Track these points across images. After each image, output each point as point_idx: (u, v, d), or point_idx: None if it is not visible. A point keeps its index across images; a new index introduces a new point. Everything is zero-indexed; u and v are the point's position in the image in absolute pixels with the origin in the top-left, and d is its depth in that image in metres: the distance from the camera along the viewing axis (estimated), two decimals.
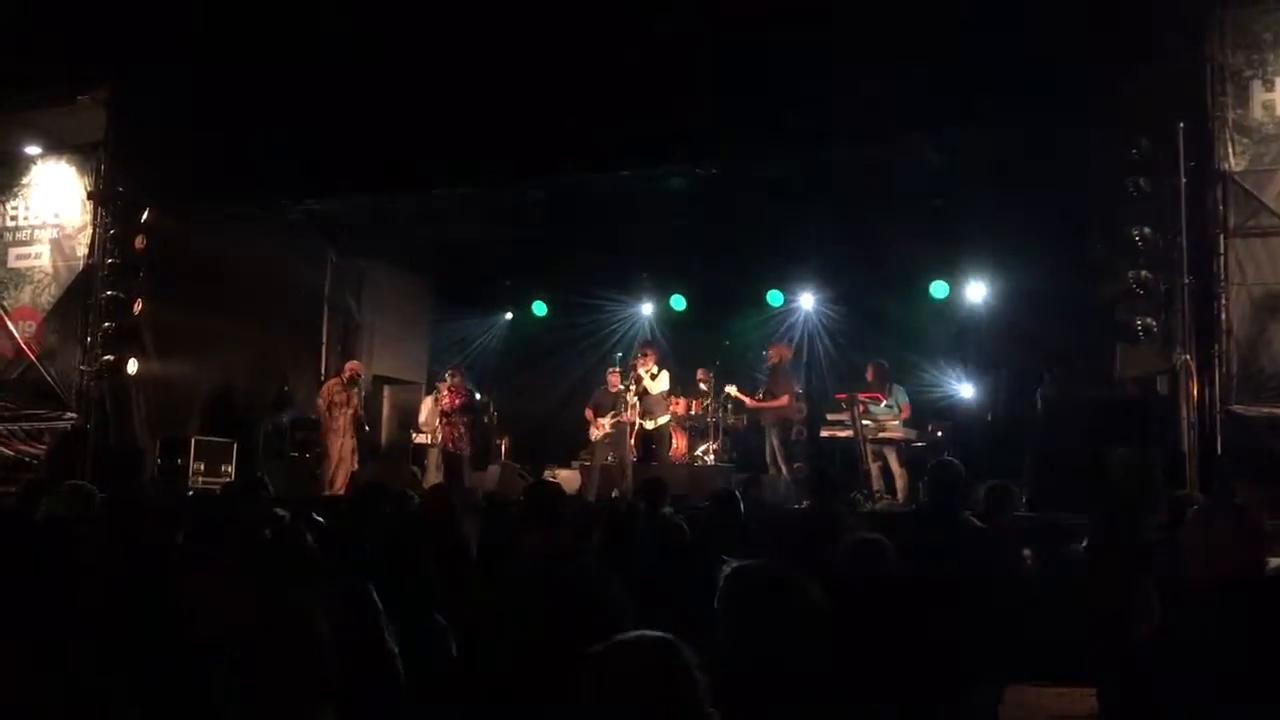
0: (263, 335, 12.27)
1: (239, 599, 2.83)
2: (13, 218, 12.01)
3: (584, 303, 14.36)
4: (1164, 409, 8.34)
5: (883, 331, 12.22)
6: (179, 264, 11.15)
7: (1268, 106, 8.24)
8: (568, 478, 11.91)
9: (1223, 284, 8.19)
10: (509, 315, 15.22)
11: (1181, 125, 8.11)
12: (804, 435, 11.63)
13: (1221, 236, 8.23)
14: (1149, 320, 8.15)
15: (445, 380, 12.12)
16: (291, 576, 3.52)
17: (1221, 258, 8.21)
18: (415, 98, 9.83)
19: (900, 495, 10.24)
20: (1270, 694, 2.24)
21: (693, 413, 12.93)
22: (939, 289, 12.37)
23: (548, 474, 12.19)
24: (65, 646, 2.48)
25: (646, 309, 14.51)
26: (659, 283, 14.13)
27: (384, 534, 4.93)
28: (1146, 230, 8.15)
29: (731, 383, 12.10)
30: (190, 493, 9.77)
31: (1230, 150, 8.24)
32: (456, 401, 11.86)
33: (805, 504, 8.98)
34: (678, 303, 14.04)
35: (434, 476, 11.79)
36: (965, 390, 12.29)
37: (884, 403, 10.64)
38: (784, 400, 11.14)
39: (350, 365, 11.85)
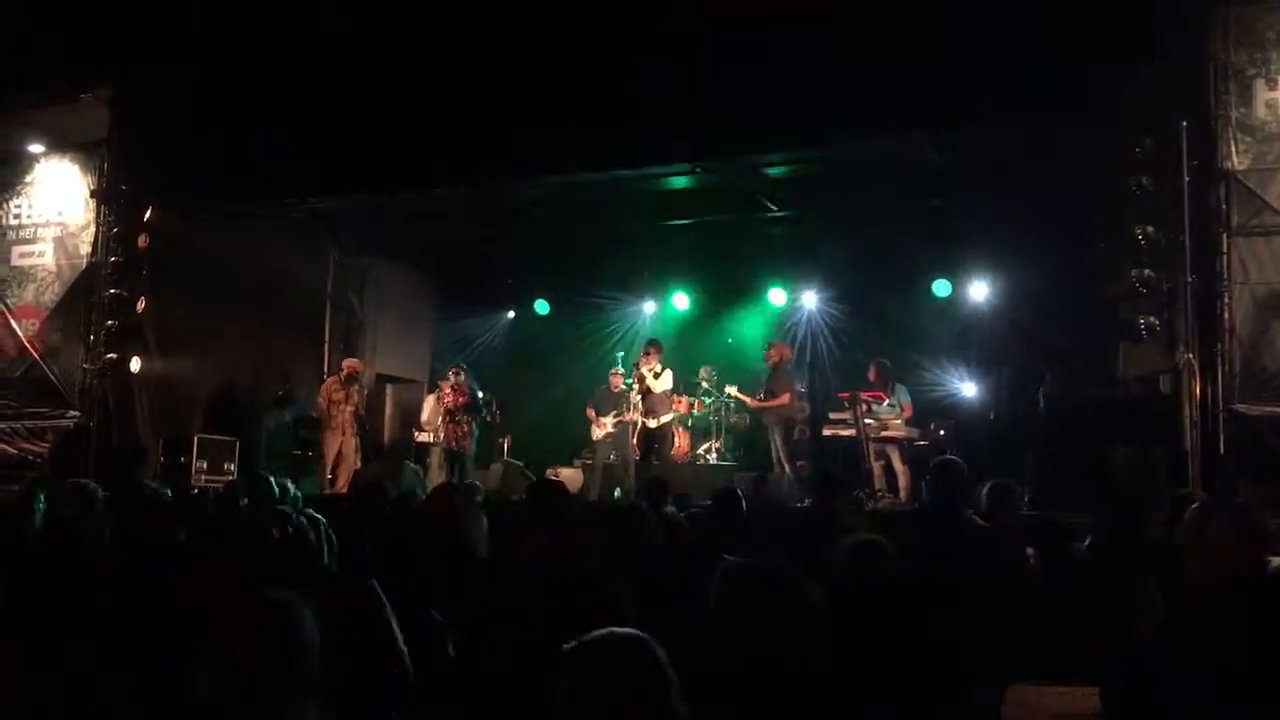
0: (265, 333, 12.28)
1: (238, 598, 2.83)
2: (16, 216, 12.03)
3: (587, 301, 14.38)
4: (1166, 408, 8.34)
5: (885, 330, 12.22)
6: (182, 262, 11.15)
7: (1271, 105, 8.23)
8: (570, 476, 11.91)
9: (1225, 283, 8.17)
10: (512, 314, 15.24)
11: (1184, 124, 8.11)
12: (806, 434, 11.64)
13: (1224, 235, 8.22)
14: (1152, 319, 8.15)
15: (448, 379, 12.12)
16: (295, 576, 3.52)
17: (1224, 256, 8.19)
18: (417, 97, 9.85)
19: (903, 494, 10.25)
20: (1273, 693, 2.24)
21: (695, 411, 12.94)
22: (941, 288, 12.37)
23: (550, 473, 12.19)
24: (66, 646, 2.48)
25: (649, 307, 14.52)
26: (661, 281, 14.13)
27: (384, 533, 4.94)
28: (1149, 229, 8.14)
29: (733, 382, 12.12)
30: (195, 490, 9.79)
31: (1233, 149, 8.23)
32: (459, 400, 11.86)
33: (808, 503, 8.98)
34: (679, 301, 14.05)
35: (436, 475, 11.79)
36: (968, 389, 12.29)
37: (886, 401, 10.65)
38: (785, 399, 11.14)
39: (348, 363, 11.84)
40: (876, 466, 10.39)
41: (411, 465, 12.08)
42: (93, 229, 11.58)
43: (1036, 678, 3.20)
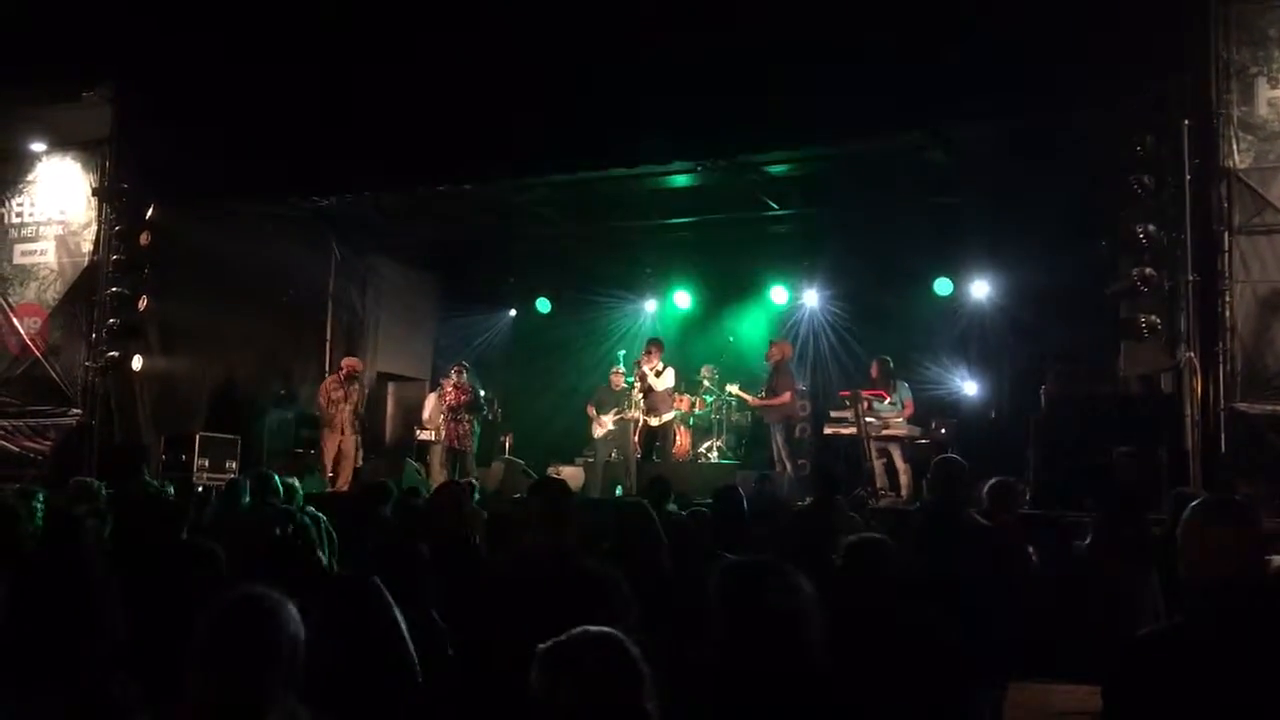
0: (267, 331, 12.30)
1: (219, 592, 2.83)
2: (18, 214, 12.04)
3: (588, 300, 14.38)
4: (1167, 406, 8.35)
5: (886, 328, 12.23)
6: (184, 260, 11.18)
7: (1273, 104, 8.22)
8: (571, 474, 11.91)
9: (1227, 281, 8.17)
10: (513, 312, 15.24)
11: (1186, 122, 8.11)
12: (808, 432, 11.65)
13: (1226, 234, 8.21)
14: (1153, 317, 8.15)
15: (450, 377, 12.13)
16: (297, 575, 3.53)
17: (1226, 255, 8.18)
18: (418, 96, 9.85)
19: (904, 492, 10.25)
20: (1273, 693, 2.24)
21: (696, 410, 12.94)
22: (943, 286, 12.36)
23: (551, 471, 12.19)
24: (68, 645, 2.48)
25: (650, 306, 14.52)
26: (662, 280, 14.14)
27: (386, 532, 4.95)
28: (1151, 227, 8.14)
29: (734, 380, 12.12)
30: (200, 488, 9.80)
31: (1235, 147, 8.22)
32: (461, 398, 11.87)
33: (809, 501, 8.99)
34: (681, 300, 14.06)
35: (438, 473, 11.80)
36: (969, 387, 12.29)
37: (888, 400, 10.64)
38: (786, 398, 11.14)
39: (347, 362, 11.85)
40: (878, 465, 10.39)
41: (413, 463, 12.12)
42: (94, 227, 11.60)
43: (1038, 675, 3.21)
